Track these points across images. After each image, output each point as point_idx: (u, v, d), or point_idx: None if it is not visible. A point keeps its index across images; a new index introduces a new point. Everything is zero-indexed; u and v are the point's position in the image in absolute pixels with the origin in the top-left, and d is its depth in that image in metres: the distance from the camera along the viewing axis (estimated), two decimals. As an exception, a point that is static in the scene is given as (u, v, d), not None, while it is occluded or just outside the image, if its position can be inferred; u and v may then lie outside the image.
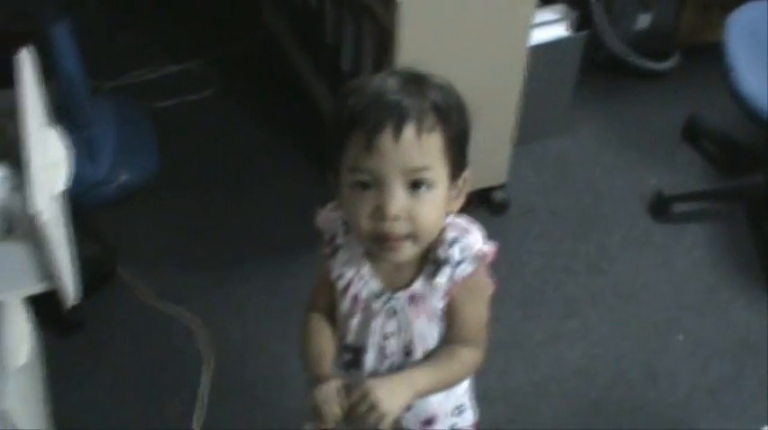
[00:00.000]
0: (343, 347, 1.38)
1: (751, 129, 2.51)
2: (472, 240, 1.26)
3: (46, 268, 1.37)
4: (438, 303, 1.29)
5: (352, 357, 1.38)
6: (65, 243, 1.51)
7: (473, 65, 2.25)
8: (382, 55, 2.29)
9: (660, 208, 2.68)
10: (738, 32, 2.43)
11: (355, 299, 1.32)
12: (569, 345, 2.32)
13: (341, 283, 1.32)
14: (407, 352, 1.34)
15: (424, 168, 1.15)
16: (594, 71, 3.02)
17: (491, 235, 2.47)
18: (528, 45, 2.32)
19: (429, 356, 1.34)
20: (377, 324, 1.32)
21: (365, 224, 1.18)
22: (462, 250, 1.25)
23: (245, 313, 2.34)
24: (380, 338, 1.33)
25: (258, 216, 2.60)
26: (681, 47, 3.18)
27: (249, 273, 2.43)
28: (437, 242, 1.25)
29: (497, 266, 2.42)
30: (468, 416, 1.53)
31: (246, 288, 2.40)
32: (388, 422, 1.21)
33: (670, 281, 2.51)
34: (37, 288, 1.40)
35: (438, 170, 1.17)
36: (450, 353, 1.32)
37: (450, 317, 1.31)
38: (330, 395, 1.24)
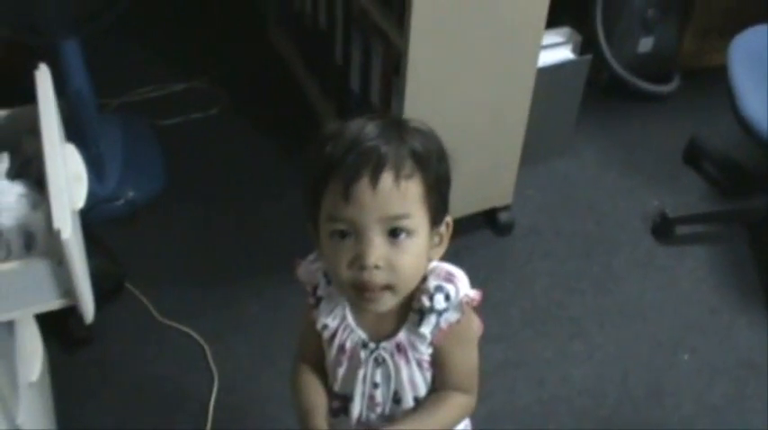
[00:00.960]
0: (332, 395, 1.38)
1: (752, 151, 2.54)
2: (457, 287, 1.25)
3: (66, 284, 1.38)
4: (425, 350, 1.28)
5: (340, 405, 1.38)
6: (83, 259, 1.51)
7: (483, 86, 2.27)
8: (391, 75, 2.31)
9: (663, 229, 2.70)
10: (741, 56, 2.46)
11: (342, 348, 1.31)
12: (576, 364, 2.33)
13: (326, 334, 1.32)
14: (397, 399, 1.33)
15: (403, 216, 1.13)
16: (597, 94, 3.05)
17: (495, 254, 2.50)
18: (536, 67, 2.35)
19: (420, 403, 1.33)
20: (364, 373, 1.31)
21: (344, 274, 1.15)
22: (447, 298, 1.24)
23: (252, 328, 2.34)
24: (369, 387, 1.32)
25: (265, 232, 2.61)
26: (682, 70, 3.21)
27: (257, 288, 2.44)
28: (420, 290, 1.24)
29: (503, 285, 2.46)
30: None
31: (254, 303, 2.40)
32: None
33: (674, 301, 2.53)
34: (56, 304, 1.40)
35: (417, 217, 1.15)
36: (441, 400, 1.32)
37: (439, 364, 1.30)
38: None
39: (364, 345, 1.29)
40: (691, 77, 3.18)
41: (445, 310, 1.24)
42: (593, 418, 2.21)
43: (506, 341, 2.33)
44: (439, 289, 1.24)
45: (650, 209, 2.77)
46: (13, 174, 1.56)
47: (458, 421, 1.37)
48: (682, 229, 2.71)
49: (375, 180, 1.10)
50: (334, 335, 1.31)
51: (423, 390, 1.33)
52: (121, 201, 2.59)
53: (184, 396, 2.18)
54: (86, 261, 1.68)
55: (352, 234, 1.14)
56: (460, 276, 1.27)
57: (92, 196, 2.45)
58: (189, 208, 2.67)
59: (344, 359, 1.31)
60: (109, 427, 2.11)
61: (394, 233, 1.13)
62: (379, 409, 1.34)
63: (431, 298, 1.24)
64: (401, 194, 1.12)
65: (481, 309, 1.28)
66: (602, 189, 2.87)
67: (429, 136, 1.19)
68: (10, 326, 1.64)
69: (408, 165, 1.12)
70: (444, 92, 2.22)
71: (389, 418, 1.35)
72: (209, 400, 2.16)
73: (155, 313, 2.34)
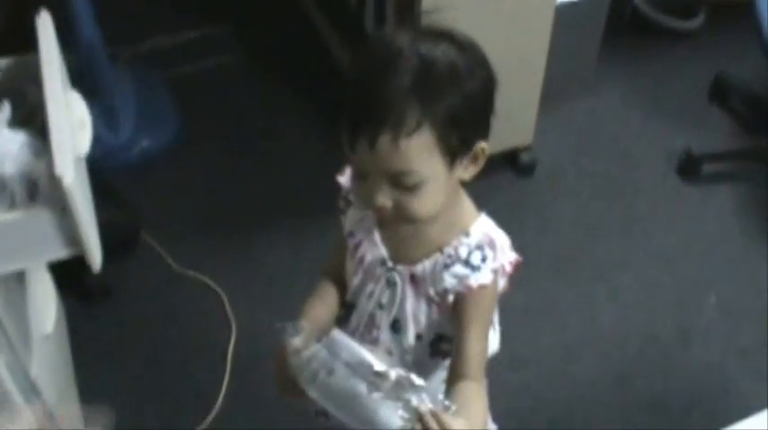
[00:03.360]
0: (343, 304, 1.37)
1: (781, 87, 2.45)
2: (497, 255, 1.22)
3: (71, 233, 1.34)
4: (436, 296, 1.25)
5: (344, 313, 1.36)
6: (89, 207, 1.48)
7: (500, 24, 2.20)
8: (406, 16, 2.24)
9: (689, 168, 2.63)
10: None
11: (361, 260, 1.29)
12: (600, 308, 2.29)
13: (351, 242, 1.30)
14: (396, 328, 1.31)
15: (404, 173, 1.09)
16: (620, 31, 2.95)
17: (518, 196, 2.45)
18: (555, 3, 2.27)
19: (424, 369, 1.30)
20: (372, 289, 1.29)
21: (364, 204, 1.17)
22: (483, 260, 1.21)
23: (271, 277, 2.32)
24: (374, 306, 1.31)
25: (283, 180, 2.57)
26: (707, 4, 3.11)
27: (275, 236, 2.41)
28: (458, 239, 1.21)
29: (525, 228, 2.41)
30: None
31: (273, 251, 2.38)
32: None
33: (700, 241, 2.47)
34: (62, 253, 1.36)
35: (426, 168, 1.09)
36: (469, 396, 1.21)
37: (456, 333, 1.26)
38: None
39: (381, 264, 1.27)
40: (716, 12, 3.07)
41: (478, 269, 1.21)
42: (618, 362, 2.18)
43: (529, 285, 2.29)
44: (479, 247, 1.21)
45: (676, 147, 2.70)
46: (17, 124, 1.52)
47: (484, 421, 1.28)
48: (708, 168, 2.64)
49: (372, 141, 1.06)
50: (357, 246, 1.29)
51: (425, 328, 1.30)
52: (136, 151, 2.57)
53: (202, 346, 2.17)
54: (94, 209, 1.65)
55: (363, 176, 1.13)
56: (502, 244, 1.23)
57: (105, 146, 2.48)
58: (204, 156, 2.63)
59: (361, 270, 1.30)
60: (127, 379, 2.10)
61: (400, 184, 1.10)
62: (375, 332, 1.32)
63: (469, 252, 1.21)
64: (401, 154, 1.07)
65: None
66: (625, 128, 2.80)
67: (464, 48, 1.12)
68: (21, 277, 1.61)
69: (413, 117, 1.05)
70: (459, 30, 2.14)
71: (386, 351, 1.32)
72: (228, 350, 2.14)
73: (172, 263, 2.32)
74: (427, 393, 1.07)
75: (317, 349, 1.11)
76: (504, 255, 1.23)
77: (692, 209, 2.57)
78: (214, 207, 2.51)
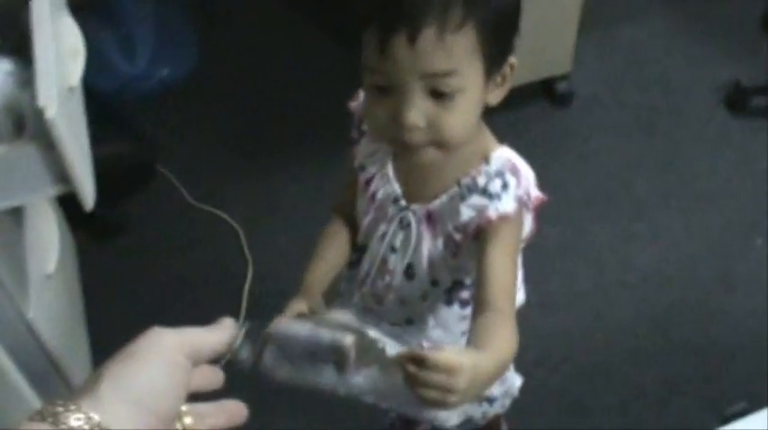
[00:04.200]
0: (354, 245, 1.26)
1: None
2: (520, 181, 1.08)
3: (59, 169, 1.24)
4: (456, 233, 1.12)
5: (356, 256, 1.26)
6: (83, 142, 1.38)
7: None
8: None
9: (738, 101, 2.48)
10: None
11: (372, 197, 1.17)
12: (639, 249, 2.17)
13: (363, 176, 1.19)
14: (410, 274, 1.19)
15: (449, 74, 0.97)
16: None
17: (553, 128, 2.32)
18: None
19: (469, 329, 1.08)
20: (384, 231, 1.18)
21: (384, 131, 1.02)
22: (504, 187, 1.07)
23: (289, 213, 2.23)
24: (386, 249, 1.19)
25: (302, 112, 2.45)
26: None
27: (294, 171, 2.31)
28: (476, 168, 1.08)
29: (562, 162, 2.29)
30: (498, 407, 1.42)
31: (291, 187, 2.29)
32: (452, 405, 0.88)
33: (748, 180, 2.33)
34: (51, 191, 1.27)
35: (468, 73, 0.98)
36: (490, 326, 1.02)
37: (479, 265, 1.08)
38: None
39: (395, 201, 1.15)
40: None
41: (497, 197, 1.07)
42: (657, 306, 2.06)
43: (564, 223, 2.17)
44: (499, 174, 1.08)
45: (724, 78, 2.54)
46: (7, 50, 1.41)
47: (512, 352, 1.01)
48: (758, 101, 2.48)
49: (414, 35, 0.94)
50: (370, 181, 1.18)
51: (442, 274, 1.19)
52: (154, 79, 2.48)
53: (218, 283, 2.09)
54: (108, 146, 1.56)
55: (391, 89, 0.99)
56: (526, 173, 1.10)
57: (123, 75, 2.40)
58: (224, 87, 2.53)
59: (372, 209, 1.19)
60: (140, 316, 2.01)
61: (438, 93, 0.98)
62: (388, 278, 1.21)
63: (488, 180, 1.08)
64: (447, 51, 0.95)
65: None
66: (670, 57, 2.65)
67: None
68: (17, 216, 1.52)
69: (456, 12, 0.95)
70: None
71: (398, 299, 1.22)
72: (244, 287, 2.06)
73: (187, 196, 2.23)
74: (396, 339, 0.91)
75: (266, 358, 0.91)
76: (529, 183, 1.10)
77: (740, 144, 2.42)
78: (232, 138, 2.41)
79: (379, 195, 1.16)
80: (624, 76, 2.58)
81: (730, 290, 2.09)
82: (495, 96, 1.06)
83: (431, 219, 1.13)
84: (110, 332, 1.92)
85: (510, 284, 1.08)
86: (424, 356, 0.82)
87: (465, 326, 1.21)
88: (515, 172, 1.09)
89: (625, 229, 2.21)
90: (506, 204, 1.07)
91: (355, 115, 1.20)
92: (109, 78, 2.38)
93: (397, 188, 1.15)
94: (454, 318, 1.26)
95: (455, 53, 0.96)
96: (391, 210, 1.16)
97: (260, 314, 2.03)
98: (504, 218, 1.07)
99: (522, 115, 2.38)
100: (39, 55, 1.25)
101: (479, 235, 1.10)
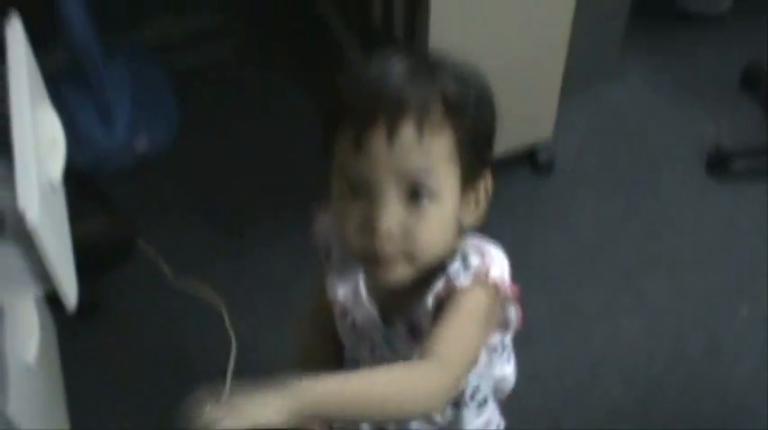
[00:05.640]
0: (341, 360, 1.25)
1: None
2: (484, 261, 1.04)
3: (41, 269, 1.22)
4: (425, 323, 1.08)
5: (352, 367, 1.23)
6: (63, 237, 1.36)
7: (516, 10, 2.07)
8: (414, 5, 2.11)
9: (719, 164, 2.49)
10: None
11: (353, 325, 1.15)
12: (624, 318, 2.17)
13: (338, 307, 1.16)
14: None
15: (426, 172, 0.95)
16: (645, 14, 2.80)
17: (536, 195, 2.32)
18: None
19: None
20: (372, 347, 1.15)
21: (353, 238, 0.99)
22: (463, 261, 1.04)
23: (271, 283, 2.20)
24: (378, 358, 1.15)
25: (287, 180, 2.43)
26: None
27: (274, 241, 2.29)
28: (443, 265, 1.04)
29: (545, 230, 2.28)
30: None
31: (272, 256, 2.26)
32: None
33: (732, 245, 2.33)
34: (33, 291, 1.25)
35: (444, 177, 0.97)
36: (400, 365, 1.01)
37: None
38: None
39: (375, 326, 1.12)
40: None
41: (457, 275, 1.03)
42: (644, 377, 2.06)
43: (550, 292, 2.17)
44: (463, 257, 1.05)
45: (704, 140, 2.55)
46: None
47: (418, 394, 0.96)
48: (739, 164, 2.49)
49: (392, 131, 0.93)
50: (345, 312, 1.15)
51: None
52: (131, 152, 2.44)
53: (201, 360, 2.07)
54: (85, 222, 1.54)
55: (365, 193, 0.97)
56: (494, 255, 1.06)
57: (99, 147, 2.37)
58: (204, 155, 2.51)
59: (354, 335, 1.16)
60: (122, 398, 2.00)
61: (414, 195, 0.96)
62: None
63: (452, 264, 1.04)
64: (425, 150, 0.94)
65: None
66: (651, 120, 2.65)
67: (469, 77, 1.01)
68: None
69: (436, 115, 0.94)
70: (473, 19, 2.03)
71: None
72: (228, 362, 2.04)
73: (168, 272, 2.20)
74: None
75: None
76: (497, 265, 1.05)
77: (722, 209, 2.42)
78: (212, 211, 2.39)
79: (359, 322, 1.13)
80: (606, 140, 2.59)
81: (717, 359, 2.08)
82: (470, 216, 1.05)
83: (413, 331, 1.10)
84: (91, 414, 1.91)
85: (458, 340, 1.01)
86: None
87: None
88: (480, 252, 1.06)
89: (610, 298, 2.21)
90: (463, 280, 1.03)
91: (320, 245, 1.18)
92: (86, 151, 2.35)
93: (374, 311, 1.11)
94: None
95: (433, 153, 0.95)
96: (375, 334, 1.13)
97: (244, 383, 2.01)
98: (461, 290, 1.03)
99: (504, 182, 2.36)
100: (18, 152, 1.23)
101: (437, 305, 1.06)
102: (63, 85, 2.31)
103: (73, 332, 2.03)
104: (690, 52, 2.86)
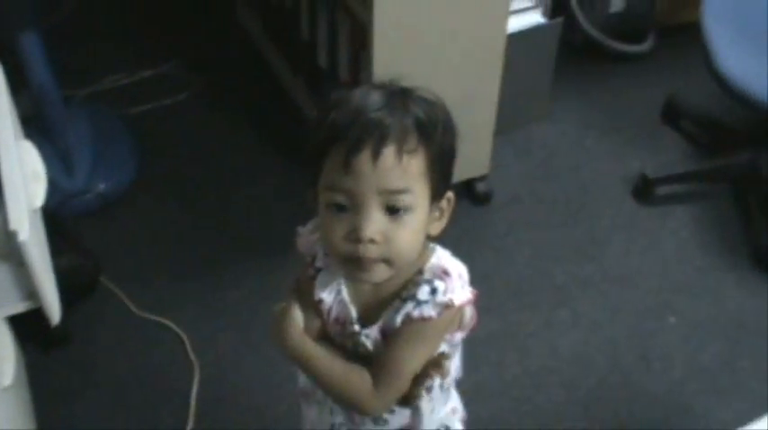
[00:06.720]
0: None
1: (732, 107, 2.48)
2: (447, 286, 1.20)
3: (27, 287, 1.33)
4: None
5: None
6: (46, 259, 1.47)
7: (452, 56, 2.23)
8: (358, 49, 2.26)
9: (644, 191, 2.66)
10: (715, 11, 2.41)
11: (337, 320, 1.28)
12: (562, 334, 2.30)
13: (323, 307, 1.29)
14: None
15: (403, 191, 1.11)
16: (572, 56, 3.00)
17: (475, 225, 2.46)
18: (506, 33, 2.30)
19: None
20: (345, 344, 1.29)
21: (339, 246, 1.14)
22: (432, 292, 1.20)
23: (232, 317, 2.30)
24: (357, 348, 1.29)
25: (241, 219, 2.56)
26: (658, 27, 3.16)
27: (235, 276, 2.39)
28: (412, 280, 1.22)
29: (485, 257, 2.42)
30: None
31: (233, 291, 2.36)
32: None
33: (659, 263, 2.50)
34: (20, 307, 1.36)
35: (418, 193, 1.13)
36: (357, 370, 1.25)
37: (385, 346, 1.25)
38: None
39: (351, 323, 1.26)
40: (666, 35, 3.13)
41: (425, 303, 1.20)
42: (583, 387, 2.18)
43: (491, 313, 2.29)
44: (428, 282, 1.21)
45: (631, 171, 2.73)
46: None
47: (351, 396, 1.26)
48: (663, 190, 2.67)
49: (377, 153, 1.09)
50: (329, 311, 1.28)
51: None
52: (92, 195, 2.53)
53: (165, 390, 2.15)
54: (52, 260, 1.63)
55: (350, 206, 1.13)
56: (457, 275, 1.22)
57: (61, 191, 2.45)
58: (163, 197, 2.61)
59: (339, 329, 1.29)
60: (91, 427, 2.07)
61: (393, 208, 1.12)
62: None
63: (419, 287, 1.21)
64: (402, 169, 1.10)
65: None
66: (581, 153, 2.83)
67: (436, 105, 1.17)
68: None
69: (412, 139, 1.11)
70: (412, 63, 2.16)
71: None
72: (191, 393, 2.12)
73: (132, 307, 2.29)
74: None
75: None
76: (458, 285, 1.22)
77: (648, 230, 2.59)
78: (173, 248, 2.49)
79: (341, 318, 1.27)
80: (539, 172, 2.75)
81: (649, 367, 2.23)
82: (435, 228, 1.21)
83: (385, 334, 1.24)
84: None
85: (403, 368, 1.24)
86: None
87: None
88: (443, 276, 1.21)
89: (548, 316, 2.34)
90: (429, 309, 1.20)
91: (306, 255, 1.32)
92: (49, 193, 2.44)
93: (353, 311, 1.26)
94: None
95: (409, 173, 1.11)
96: (349, 329, 1.27)
97: (208, 418, 2.12)
98: (425, 319, 1.20)
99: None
100: (6, 180, 1.35)
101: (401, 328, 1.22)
102: (25, 133, 2.40)
103: (40, 363, 2.12)
104: (615, 90, 3.05)
